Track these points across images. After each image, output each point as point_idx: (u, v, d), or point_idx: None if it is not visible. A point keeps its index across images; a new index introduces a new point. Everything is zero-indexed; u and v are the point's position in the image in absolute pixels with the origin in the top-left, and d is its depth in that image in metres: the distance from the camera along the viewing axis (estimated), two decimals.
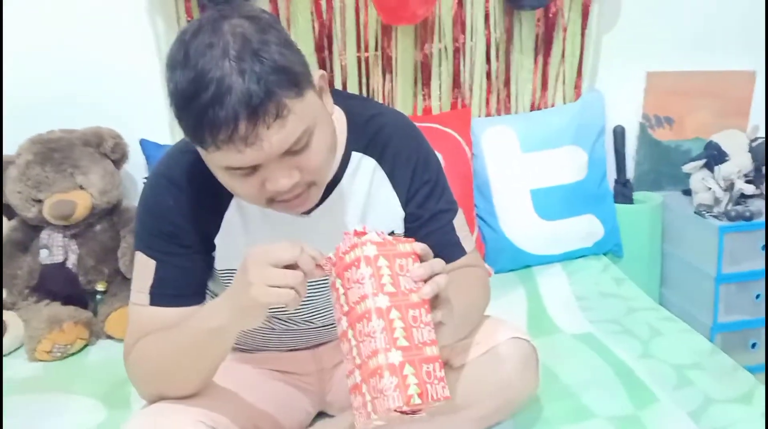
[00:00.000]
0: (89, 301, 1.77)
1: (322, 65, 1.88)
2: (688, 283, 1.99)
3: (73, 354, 1.64)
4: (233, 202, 1.05)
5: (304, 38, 1.86)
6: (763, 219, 1.87)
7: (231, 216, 1.05)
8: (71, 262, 1.73)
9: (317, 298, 1.14)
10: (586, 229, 1.94)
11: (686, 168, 2.01)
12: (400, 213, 1.13)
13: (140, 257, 1.03)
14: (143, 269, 1.02)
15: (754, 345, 1.91)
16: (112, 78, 1.84)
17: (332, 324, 1.20)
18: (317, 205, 1.04)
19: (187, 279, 1.03)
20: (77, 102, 1.83)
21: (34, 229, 1.75)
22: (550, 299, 1.76)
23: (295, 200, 0.92)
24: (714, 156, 1.96)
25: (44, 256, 1.72)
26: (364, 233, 0.86)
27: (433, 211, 1.13)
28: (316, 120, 0.89)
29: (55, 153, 1.72)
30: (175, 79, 0.83)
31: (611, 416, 1.28)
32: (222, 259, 1.07)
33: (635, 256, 2.01)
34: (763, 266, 1.87)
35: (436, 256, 1.10)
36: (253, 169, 0.87)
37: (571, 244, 1.94)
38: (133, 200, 1.93)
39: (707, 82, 2.05)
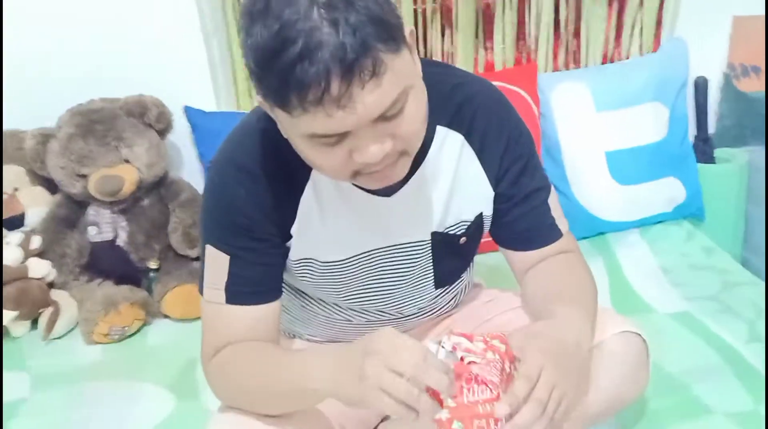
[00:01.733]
0: (142, 279, 1.63)
1: None
2: None
3: (130, 335, 1.51)
4: (309, 187, 0.90)
5: None
6: None
7: (307, 202, 0.91)
8: (121, 239, 1.58)
9: (411, 282, 1.01)
10: (666, 193, 1.72)
11: None
12: (490, 193, 0.98)
13: (211, 251, 0.90)
14: (215, 264, 0.90)
15: None
16: (149, 43, 1.64)
17: (421, 311, 1.06)
18: (400, 187, 0.91)
19: (264, 274, 0.91)
20: (114, 70, 1.64)
21: (79, 204, 1.59)
22: (633, 272, 1.57)
23: (384, 171, 0.78)
24: None
25: (93, 234, 1.57)
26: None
27: (526, 190, 0.98)
28: (412, 81, 0.75)
29: (98, 125, 1.54)
30: (254, 33, 0.69)
31: (729, 412, 1.11)
32: (298, 249, 0.93)
33: (718, 220, 1.79)
34: None
35: (530, 238, 1.01)
36: (341, 136, 0.73)
37: (650, 209, 1.73)
38: (178, 171, 1.76)
39: None
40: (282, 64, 0.67)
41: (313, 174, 0.90)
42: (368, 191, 0.91)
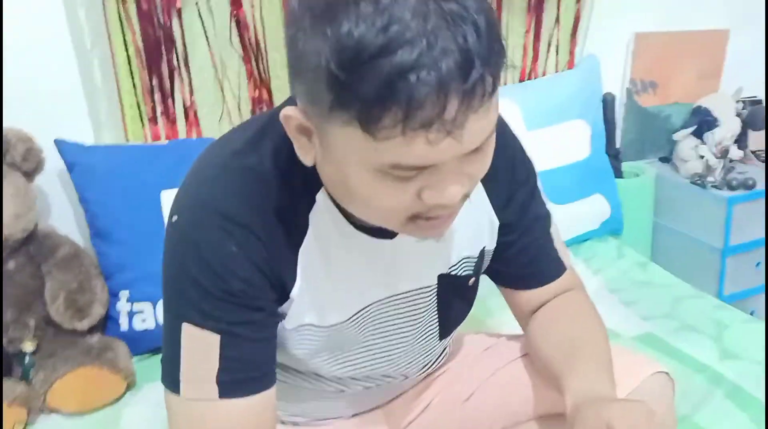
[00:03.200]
0: (15, 367, 1.23)
1: None
2: (685, 256, 1.82)
3: None
4: (309, 235, 0.72)
5: None
6: (763, 187, 1.73)
7: (308, 255, 0.73)
8: None
9: (415, 336, 0.85)
10: (595, 209, 1.69)
11: (677, 136, 1.83)
12: (495, 224, 0.85)
13: (190, 331, 0.68)
14: (198, 347, 0.69)
15: (752, 313, 1.80)
16: (12, 65, 1.26)
17: (423, 369, 0.92)
18: None
19: (261, 352, 0.72)
20: None
21: None
22: None
23: (446, 217, 0.66)
24: (705, 122, 1.79)
25: None
26: None
27: (530, 218, 0.88)
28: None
29: None
30: (341, 22, 0.53)
31: None
32: (296, 314, 0.74)
33: (632, 232, 1.80)
34: (762, 235, 1.75)
35: (534, 274, 0.91)
36: (419, 171, 0.59)
37: (579, 227, 1.68)
38: (50, 221, 1.37)
39: (687, 43, 1.86)
40: (388, 70, 0.52)
41: (313, 218, 0.71)
42: (370, 235, 0.74)
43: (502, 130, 0.84)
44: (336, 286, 0.75)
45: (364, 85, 0.52)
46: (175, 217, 0.69)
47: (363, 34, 0.52)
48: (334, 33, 0.53)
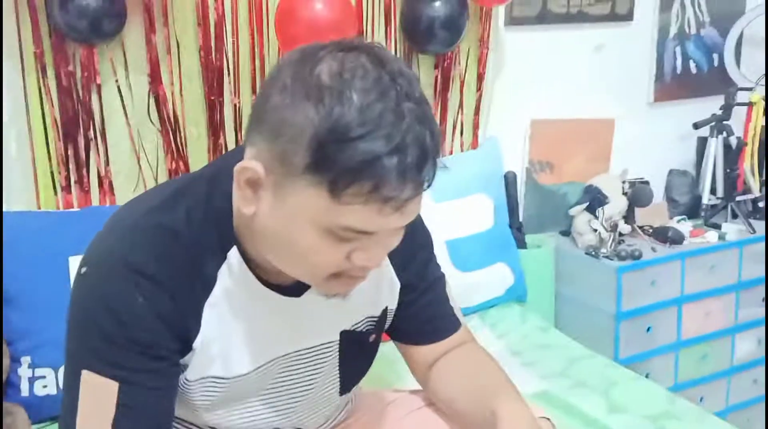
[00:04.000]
0: None
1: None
2: (584, 322, 1.92)
3: None
4: (216, 290, 0.77)
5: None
6: (650, 258, 1.88)
7: (213, 308, 0.78)
8: None
9: (316, 390, 0.89)
10: (498, 277, 1.77)
11: (572, 211, 1.97)
12: (397, 285, 0.92)
13: (90, 378, 0.71)
14: (95, 395, 0.71)
15: (647, 375, 1.89)
16: None
17: (323, 422, 0.94)
18: (308, 286, 0.82)
19: (159, 402, 0.75)
20: None
21: None
22: None
23: (360, 279, 0.75)
24: (596, 199, 1.94)
25: None
26: None
27: (430, 279, 0.96)
28: None
29: None
30: (336, 106, 0.63)
31: None
32: (199, 365, 0.78)
33: (535, 299, 1.89)
34: (653, 301, 1.88)
35: (433, 330, 0.96)
36: (359, 235, 0.69)
37: (485, 293, 1.76)
38: None
39: (578, 129, 2.05)
40: (367, 151, 0.63)
41: (221, 276, 0.76)
42: (277, 291, 0.80)
43: None
44: (241, 339, 0.79)
45: (344, 159, 0.62)
46: (84, 269, 0.73)
47: (353, 118, 0.63)
48: (328, 111, 0.63)
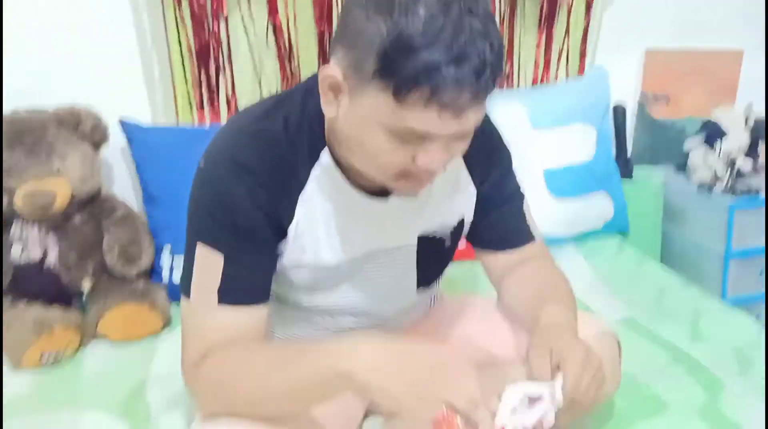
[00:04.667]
0: (73, 301, 1.45)
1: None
2: (691, 260, 1.87)
3: (64, 361, 1.32)
4: (309, 187, 0.87)
5: None
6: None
7: (306, 203, 0.87)
8: (51, 259, 1.41)
9: (395, 285, 0.98)
10: (598, 208, 1.77)
11: (688, 145, 1.89)
12: (474, 196, 0.99)
13: (203, 250, 0.84)
14: (206, 263, 0.84)
15: (757, 317, 1.82)
16: (80, 52, 1.51)
17: (400, 313, 1.03)
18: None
19: (257, 276, 0.87)
20: (38, 80, 1.49)
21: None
22: (575, 284, 1.50)
23: (428, 179, 0.82)
24: (714, 133, 1.84)
25: (17, 254, 1.39)
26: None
27: (506, 193, 1.02)
28: None
29: (26, 135, 1.38)
30: (402, 18, 0.69)
31: (687, 407, 1.12)
32: (292, 252, 0.89)
33: (640, 234, 1.86)
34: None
35: (507, 239, 1.03)
36: (421, 138, 0.75)
37: (583, 224, 1.77)
38: (110, 188, 1.62)
39: (700, 62, 1.93)
40: (427, 60, 0.68)
41: (314, 174, 0.87)
42: (364, 193, 0.89)
43: (486, 122, 0.99)
44: (329, 233, 0.89)
45: (407, 66, 0.69)
46: (201, 163, 0.86)
47: (416, 30, 0.68)
48: (395, 22, 0.69)
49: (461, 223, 0.99)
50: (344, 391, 0.76)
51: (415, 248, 0.97)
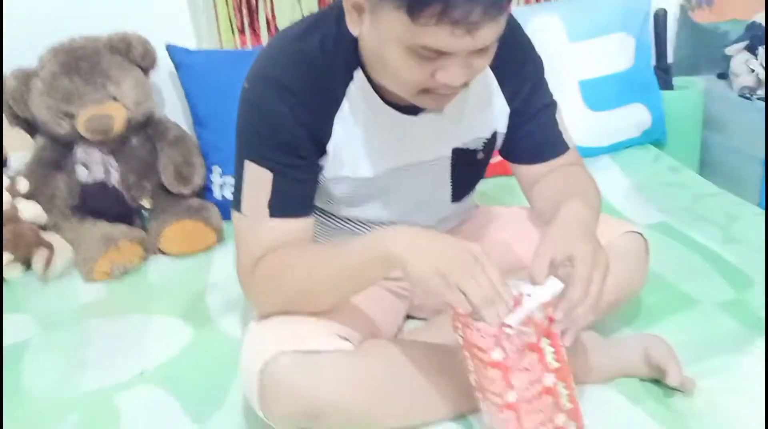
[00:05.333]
0: (135, 219, 1.57)
1: None
2: (731, 167, 1.86)
3: (130, 273, 1.45)
4: (344, 104, 0.91)
5: None
6: None
7: (342, 120, 0.91)
8: (114, 179, 1.51)
9: (432, 196, 1.02)
10: (634, 118, 1.77)
11: (729, 50, 1.84)
12: (506, 110, 1.00)
13: (252, 168, 0.89)
14: (257, 180, 0.89)
15: None
16: None
17: (438, 223, 1.08)
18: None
19: (303, 190, 0.92)
20: (89, 7, 1.55)
21: (65, 145, 1.51)
22: (610, 192, 1.60)
23: (449, 95, 0.84)
24: (758, 37, 1.79)
25: (83, 175, 1.50)
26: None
27: (538, 105, 1.02)
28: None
29: (82, 62, 1.46)
30: None
31: (715, 302, 1.16)
32: (333, 166, 0.94)
33: (678, 144, 1.85)
34: None
35: (539, 152, 1.05)
36: (441, 55, 0.77)
37: (619, 134, 1.77)
38: (163, 110, 1.70)
39: None
40: None
41: (349, 92, 0.90)
42: (397, 110, 0.92)
43: (516, 32, 0.99)
44: (366, 148, 0.93)
45: None
46: (246, 85, 0.91)
47: None
48: None
49: (494, 135, 1.02)
50: (384, 270, 0.82)
51: (449, 161, 1.00)
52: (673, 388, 0.96)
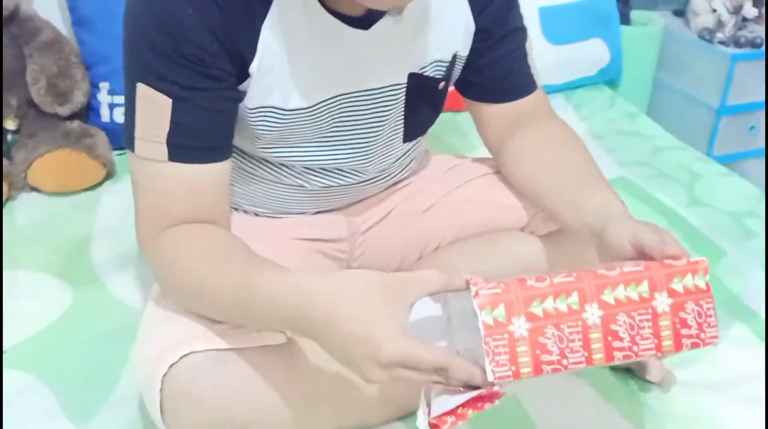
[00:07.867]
0: None
1: None
2: (680, 113, 1.76)
3: None
4: (273, 11, 0.69)
5: None
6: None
7: (270, 32, 0.70)
8: None
9: (380, 135, 0.83)
10: (593, 55, 1.60)
11: None
12: (471, 27, 0.81)
13: (145, 92, 0.67)
14: (151, 108, 0.68)
15: None
16: None
17: (384, 172, 0.90)
18: (378, 17, 0.73)
19: (214, 123, 0.70)
20: None
21: None
22: None
23: None
24: None
25: None
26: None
27: (509, 27, 0.84)
28: None
29: None
30: None
31: None
32: (257, 93, 0.72)
33: (630, 84, 1.72)
34: (763, 98, 1.67)
35: (505, 87, 0.87)
36: None
37: (575, 72, 1.61)
38: (32, 4, 1.32)
39: None
40: None
41: None
42: (344, 21, 0.71)
43: None
44: (303, 70, 0.72)
45: None
46: None
47: None
48: None
49: (454, 58, 0.82)
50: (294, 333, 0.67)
51: (404, 89, 0.80)
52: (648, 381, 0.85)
